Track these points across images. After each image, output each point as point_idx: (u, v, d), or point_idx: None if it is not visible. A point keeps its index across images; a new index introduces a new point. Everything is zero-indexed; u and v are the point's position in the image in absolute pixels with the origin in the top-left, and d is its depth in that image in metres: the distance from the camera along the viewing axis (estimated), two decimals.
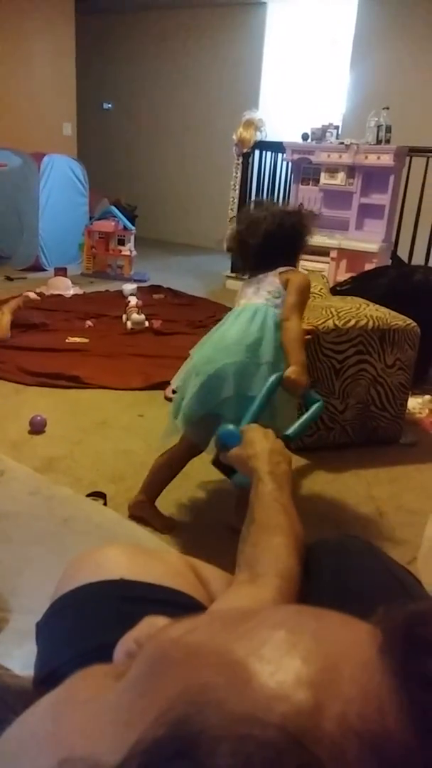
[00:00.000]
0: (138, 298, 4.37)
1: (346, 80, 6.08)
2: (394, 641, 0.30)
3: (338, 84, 6.15)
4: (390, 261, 4.38)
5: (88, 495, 1.90)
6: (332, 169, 4.50)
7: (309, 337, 2.10)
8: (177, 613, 0.42)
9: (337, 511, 2.04)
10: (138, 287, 4.88)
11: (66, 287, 4.73)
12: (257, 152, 5.19)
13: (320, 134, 4.62)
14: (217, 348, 1.66)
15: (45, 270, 5.34)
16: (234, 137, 5.14)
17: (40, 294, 3.61)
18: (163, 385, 2.95)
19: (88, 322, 3.93)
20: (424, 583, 0.78)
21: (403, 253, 4.54)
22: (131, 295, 4.54)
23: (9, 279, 5.05)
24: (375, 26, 5.79)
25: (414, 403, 2.73)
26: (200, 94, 7.17)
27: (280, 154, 5.02)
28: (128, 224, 5.44)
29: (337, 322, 2.27)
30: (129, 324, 3.88)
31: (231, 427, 0.99)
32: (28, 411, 2.51)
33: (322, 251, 4.47)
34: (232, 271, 5.25)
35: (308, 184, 4.74)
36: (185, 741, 0.26)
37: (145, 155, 7.73)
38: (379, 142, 4.31)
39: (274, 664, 0.29)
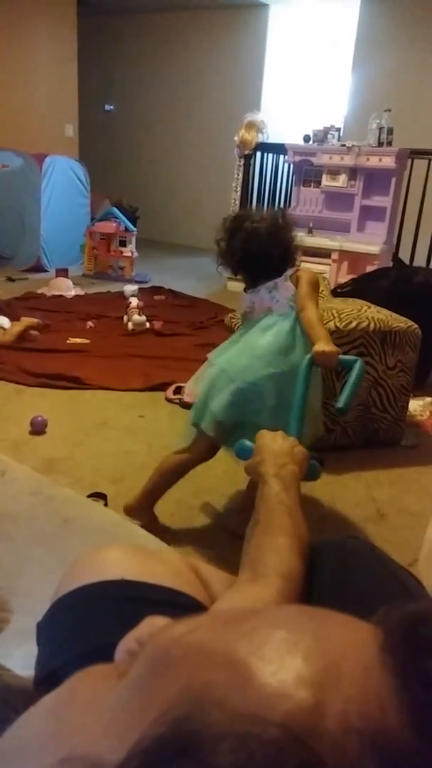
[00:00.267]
0: (139, 299, 4.37)
1: (347, 82, 6.08)
2: (395, 641, 0.30)
3: (340, 86, 6.16)
4: (391, 263, 4.38)
5: (89, 496, 1.90)
6: (334, 171, 4.50)
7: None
8: (178, 614, 0.42)
9: (338, 512, 2.04)
10: (139, 288, 4.88)
11: (67, 288, 4.74)
12: (259, 154, 5.19)
13: (322, 136, 4.63)
14: (253, 356, 1.65)
15: (46, 271, 5.34)
16: (236, 139, 5.15)
17: (38, 327, 3.64)
18: (163, 386, 2.95)
19: (89, 323, 3.93)
20: (425, 585, 0.78)
21: (404, 255, 4.54)
22: (132, 296, 4.55)
23: (10, 280, 5.06)
24: (377, 28, 5.80)
25: (415, 405, 2.73)
26: (202, 95, 7.18)
27: (281, 156, 5.02)
28: (130, 225, 5.45)
29: (338, 324, 2.27)
30: (130, 325, 3.89)
31: (246, 442, 1.00)
32: (29, 412, 2.51)
33: (324, 253, 4.48)
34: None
35: (310, 186, 4.74)
36: (187, 739, 0.26)
37: (146, 156, 7.74)
38: (380, 144, 4.32)
39: (275, 663, 0.29)
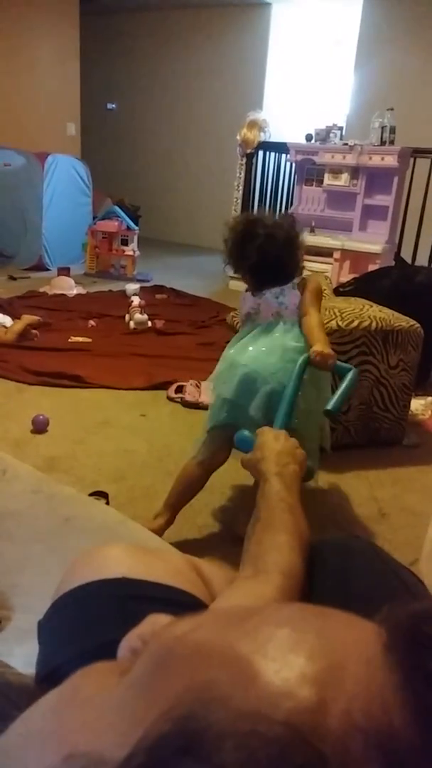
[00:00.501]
0: (141, 298, 4.37)
1: (350, 81, 6.07)
2: (399, 639, 0.30)
3: (342, 85, 6.15)
4: (393, 262, 4.38)
5: (90, 494, 1.90)
6: (336, 170, 4.50)
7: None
8: (179, 612, 0.42)
9: (340, 511, 2.04)
10: (141, 287, 4.88)
11: (69, 287, 4.74)
12: (261, 153, 5.19)
13: (324, 135, 4.62)
14: (284, 358, 1.64)
15: (48, 269, 5.34)
16: (238, 138, 5.15)
17: (39, 325, 3.66)
18: (165, 385, 2.95)
19: (91, 322, 3.93)
20: (427, 584, 0.78)
21: (406, 255, 4.53)
22: (134, 295, 4.55)
23: (12, 278, 5.06)
24: (379, 27, 5.79)
25: (417, 404, 2.72)
26: (204, 94, 7.17)
27: (283, 155, 5.02)
28: (131, 224, 5.45)
29: (340, 323, 2.26)
30: (132, 324, 3.89)
31: (246, 433, 1.00)
32: (31, 410, 2.51)
33: (326, 252, 4.47)
34: (235, 272, 5.25)
35: (312, 185, 4.74)
36: (190, 737, 0.26)
37: (148, 155, 7.74)
38: (383, 143, 4.31)
39: (278, 661, 0.29)
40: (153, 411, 2.73)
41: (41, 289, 4.69)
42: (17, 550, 1.42)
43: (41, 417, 2.43)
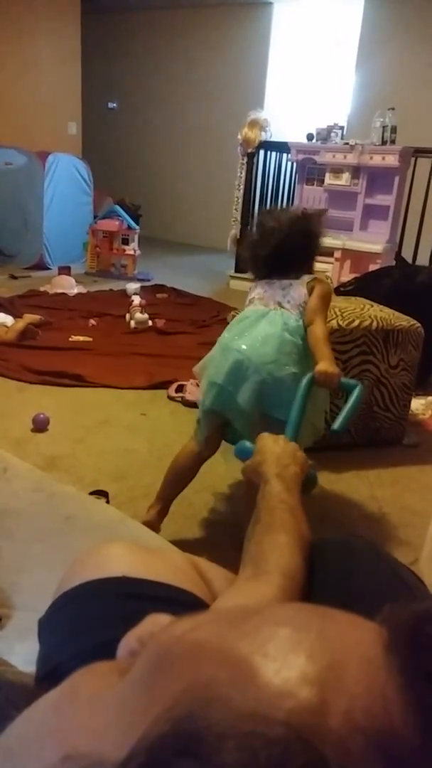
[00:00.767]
0: (141, 298, 4.37)
1: (351, 80, 6.07)
2: (400, 639, 0.30)
3: (344, 84, 6.15)
4: (394, 262, 4.37)
5: (91, 493, 1.90)
6: (337, 170, 4.49)
7: None
8: (179, 611, 0.42)
9: (340, 511, 2.03)
10: (141, 286, 4.88)
11: (70, 286, 4.74)
12: (262, 152, 5.18)
13: (325, 134, 4.62)
14: (280, 351, 1.62)
15: (49, 268, 5.34)
16: (239, 137, 5.14)
17: (40, 324, 3.66)
18: (165, 385, 2.95)
19: (92, 321, 3.93)
20: (427, 583, 0.78)
21: (407, 254, 4.53)
22: (135, 294, 4.55)
23: (13, 277, 5.06)
24: (381, 27, 5.79)
25: (417, 404, 2.72)
26: (205, 93, 7.17)
27: (284, 154, 5.02)
28: (132, 223, 5.45)
29: (340, 323, 2.26)
30: (132, 323, 3.89)
31: (247, 444, 1.00)
32: (31, 409, 2.51)
33: (326, 251, 4.46)
34: (236, 271, 5.25)
35: (313, 185, 4.74)
36: (190, 737, 0.26)
37: (149, 154, 7.74)
38: (384, 142, 4.30)
39: (279, 661, 0.29)
40: (153, 410, 2.73)
41: (42, 288, 4.69)
42: (17, 548, 1.42)
43: (42, 416, 2.43)
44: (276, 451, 0.91)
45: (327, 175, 4.56)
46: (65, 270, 5.03)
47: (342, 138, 4.60)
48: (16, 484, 1.72)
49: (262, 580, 0.68)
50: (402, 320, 2.38)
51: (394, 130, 4.30)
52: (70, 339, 3.56)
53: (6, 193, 5.47)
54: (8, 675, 0.82)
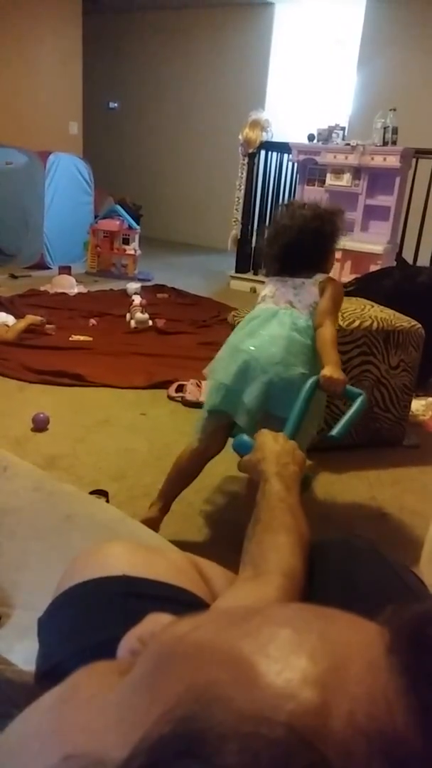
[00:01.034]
0: (142, 297, 4.37)
1: (352, 81, 6.07)
2: (402, 641, 0.30)
3: (345, 85, 6.15)
4: (395, 262, 4.37)
5: (91, 493, 1.90)
6: (338, 170, 4.49)
7: None
8: (180, 611, 0.42)
9: (340, 511, 2.03)
10: (142, 286, 4.88)
11: (70, 285, 4.74)
12: (263, 152, 5.18)
13: (326, 135, 4.62)
14: (288, 351, 1.62)
15: (49, 268, 5.34)
16: (240, 137, 5.14)
17: (42, 325, 3.66)
18: (165, 384, 2.95)
19: (92, 321, 3.93)
20: (427, 584, 0.78)
21: (408, 255, 4.53)
22: (135, 294, 4.55)
23: (14, 277, 5.06)
24: (382, 27, 5.78)
25: (417, 405, 2.72)
26: (206, 93, 7.17)
27: (285, 155, 5.01)
28: (133, 223, 5.45)
29: (341, 323, 2.26)
30: (132, 323, 3.88)
31: (245, 437, 1.00)
32: (31, 408, 2.51)
33: None
34: (236, 272, 5.25)
35: (314, 185, 4.73)
36: (192, 738, 0.26)
37: (150, 154, 7.74)
38: (385, 143, 4.31)
39: (281, 662, 0.29)
40: (153, 410, 2.73)
41: (42, 288, 4.69)
42: (17, 547, 1.42)
43: (42, 415, 2.43)
44: (276, 449, 0.90)
45: (328, 175, 4.56)
46: (66, 269, 5.03)
47: (343, 138, 4.60)
48: (16, 483, 1.72)
49: (262, 580, 0.68)
50: (402, 321, 2.38)
51: (395, 130, 4.30)
52: (70, 339, 3.56)
53: (7, 192, 5.47)
54: (8, 673, 0.82)
